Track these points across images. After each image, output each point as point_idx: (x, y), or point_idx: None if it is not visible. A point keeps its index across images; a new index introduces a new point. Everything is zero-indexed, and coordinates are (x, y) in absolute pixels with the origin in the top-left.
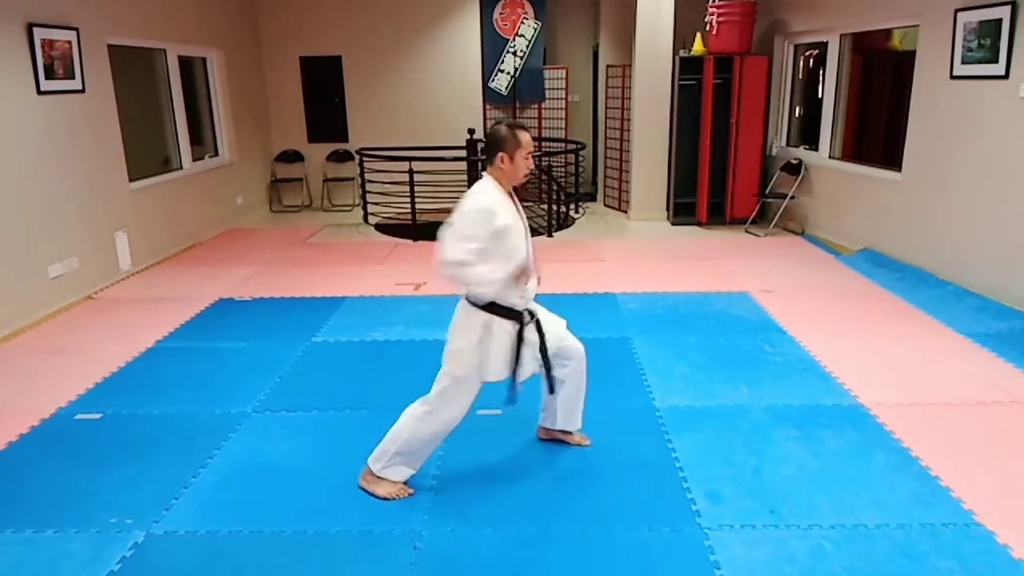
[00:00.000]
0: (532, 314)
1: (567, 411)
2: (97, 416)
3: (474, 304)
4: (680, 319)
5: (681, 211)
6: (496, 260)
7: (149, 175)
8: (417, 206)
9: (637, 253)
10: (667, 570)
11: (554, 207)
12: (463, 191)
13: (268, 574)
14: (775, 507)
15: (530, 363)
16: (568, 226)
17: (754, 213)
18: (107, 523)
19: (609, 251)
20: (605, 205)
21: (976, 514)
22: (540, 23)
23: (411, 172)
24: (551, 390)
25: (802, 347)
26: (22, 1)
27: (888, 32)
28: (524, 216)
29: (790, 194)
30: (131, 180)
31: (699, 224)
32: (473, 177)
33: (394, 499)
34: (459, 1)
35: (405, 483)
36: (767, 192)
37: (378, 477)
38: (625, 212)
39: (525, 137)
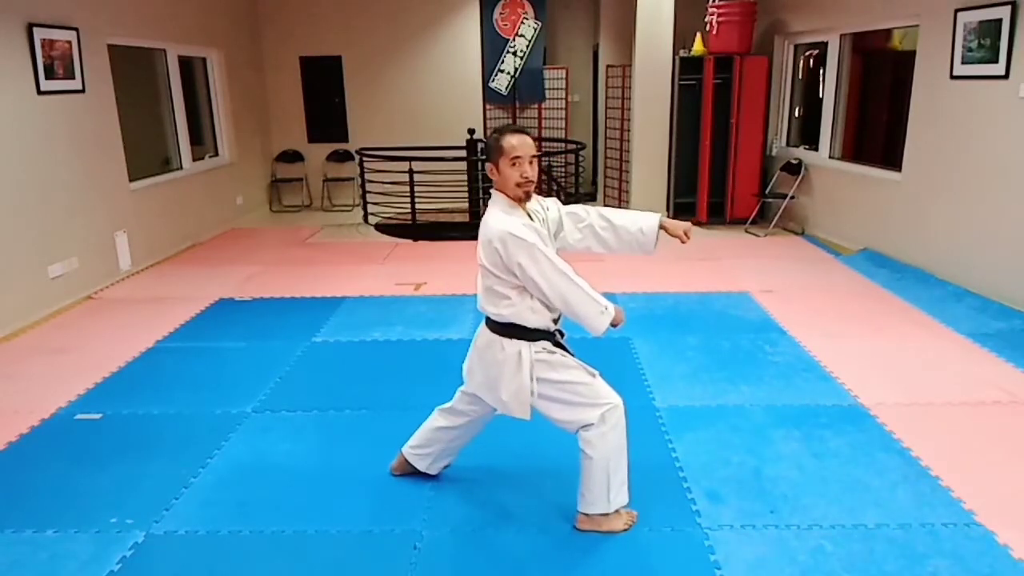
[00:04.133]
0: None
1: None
2: (97, 416)
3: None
4: (680, 319)
5: (681, 211)
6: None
7: (149, 175)
8: (417, 206)
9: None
10: (667, 570)
11: None
12: (463, 191)
13: (268, 574)
14: (775, 507)
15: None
16: None
17: (754, 213)
18: (107, 523)
19: None
20: (605, 205)
21: (976, 514)
22: (540, 23)
23: (411, 172)
24: None
25: (802, 347)
26: (22, 1)
27: (888, 32)
28: (543, 224)
29: (790, 194)
30: (131, 180)
31: (699, 224)
32: (473, 177)
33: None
34: (459, 1)
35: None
36: (767, 192)
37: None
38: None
39: (508, 142)
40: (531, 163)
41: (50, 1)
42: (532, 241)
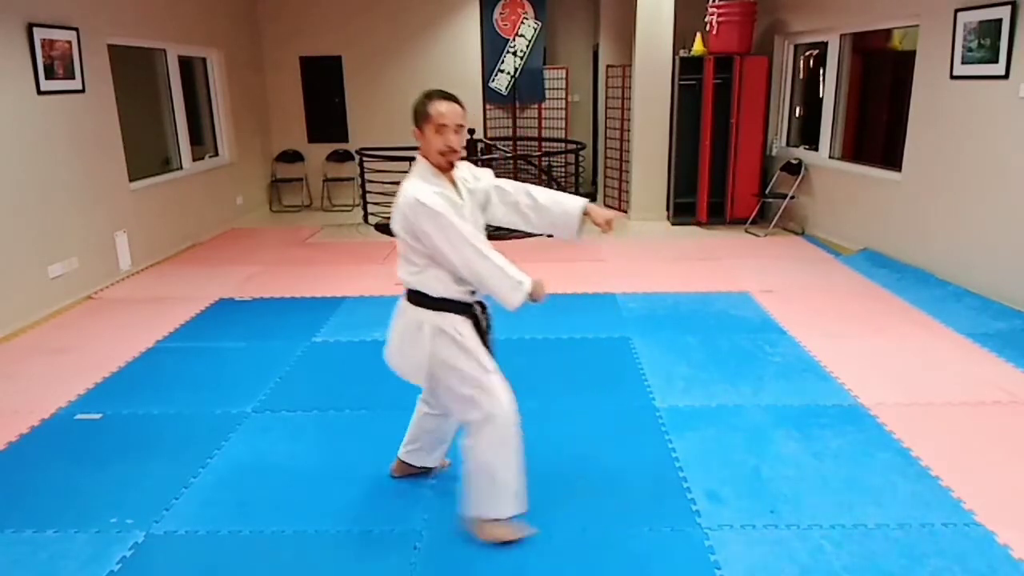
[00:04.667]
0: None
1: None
2: (97, 416)
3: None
4: (680, 319)
5: (681, 211)
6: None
7: (149, 175)
8: None
9: (637, 253)
10: (667, 570)
11: None
12: None
13: (268, 574)
14: (775, 507)
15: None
16: None
17: (754, 213)
18: (107, 523)
19: (609, 251)
20: (605, 205)
21: (976, 514)
22: (540, 23)
23: None
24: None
25: (802, 347)
26: (22, 1)
27: (888, 32)
28: (470, 194)
29: (790, 194)
30: (131, 180)
31: (699, 224)
32: None
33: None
34: (459, 1)
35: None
36: (767, 192)
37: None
38: (625, 212)
39: (436, 108)
40: (457, 132)
41: (50, 1)
42: (439, 210)
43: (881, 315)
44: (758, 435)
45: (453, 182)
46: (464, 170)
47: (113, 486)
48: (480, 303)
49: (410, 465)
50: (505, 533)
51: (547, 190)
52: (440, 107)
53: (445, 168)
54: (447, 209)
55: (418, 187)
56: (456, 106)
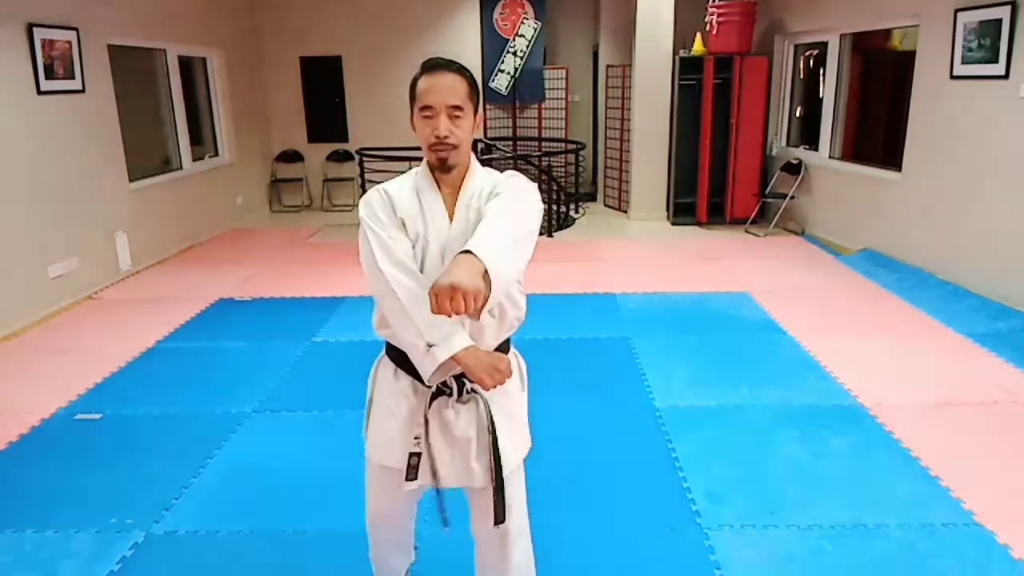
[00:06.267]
0: (466, 390)
1: None
2: (97, 416)
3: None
4: (680, 319)
5: (681, 211)
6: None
7: (149, 175)
8: None
9: (637, 253)
10: (667, 570)
11: (554, 207)
12: None
13: (268, 574)
14: (775, 507)
15: (452, 466)
16: (568, 226)
17: (754, 213)
18: (107, 523)
19: (609, 251)
20: (605, 205)
21: (976, 514)
22: (540, 23)
23: None
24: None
25: (802, 347)
26: (22, 1)
27: (888, 32)
28: (476, 214)
29: (790, 194)
30: (131, 180)
31: (699, 224)
32: None
33: None
34: (459, 1)
35: None
36: (767, 192)
37: None
38: (625, 212)
39: (420, 85)
40: (452, 117)
41: (50, 1)
42: (363, 215)
43: (881, 315)
44: (758, 435)
45: (455, 194)
46: (483, 179)
47: (113, 486)
48: (460, 381)
49: None
50: None
51: (498, 225)
52: (423, 83)
53: (436, 167)
54: (378, 219)
55: (370, 193)
56: (446, 77)
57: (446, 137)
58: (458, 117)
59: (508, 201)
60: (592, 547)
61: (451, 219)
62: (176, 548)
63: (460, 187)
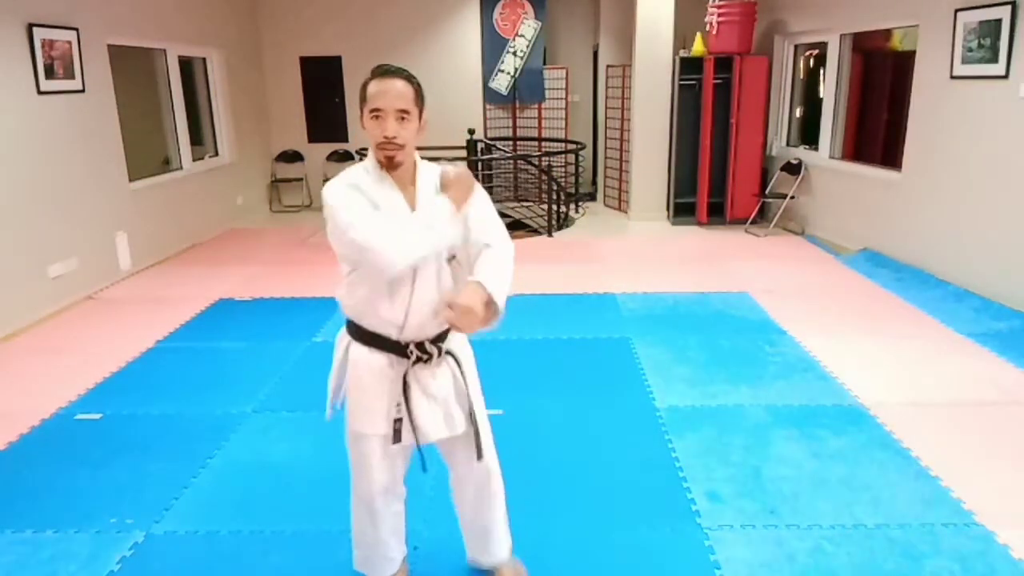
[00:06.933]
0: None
1: (474, 536)
2: (97, 416)
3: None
4: (680, 319)
5: (681, 211)
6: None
7: (149, 175)
8: None
9: (637, 253)
10: (667, 570)
11: (554, 207)
12: None
13: (268, 574)
14: (775, 507)
15: (434, 421)
16: (568, 226)
17: (754, 213)
18: (107, 523)
19: (609, 251)
20: (605, 205)
21: (976, 514)
22: (540, 23)
23: None
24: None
25: (802, 347)
26: (22, 1)
27: (888, 32)
28: (420, 206)
29: (790, 194)
30: (131, 180)
31: (699, 224)
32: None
33: None
34: (459, 1)
35: None
36: (767, 192)
37: None
38: (625, 212)
39: (370, 89)
40: (400, 120)
41: (50, 1)
42: (332, 202)
43: (881, 315)
44: (758, 435)
45: (410, 186)
46: (431, 172)
47: (113, 486)
48: (422, 350)
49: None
50: None
51: (494, 266)
52: (373, 87)
53: (385, 165)
54: (351, 202)
55: (333, 184)
56: (396, 83)
57: (394, 137)
58: (405, 120)
59: (501, 240)
60: (592, 547)
61: (412, 209)
62: (176, 548)
63: (414, 181)
